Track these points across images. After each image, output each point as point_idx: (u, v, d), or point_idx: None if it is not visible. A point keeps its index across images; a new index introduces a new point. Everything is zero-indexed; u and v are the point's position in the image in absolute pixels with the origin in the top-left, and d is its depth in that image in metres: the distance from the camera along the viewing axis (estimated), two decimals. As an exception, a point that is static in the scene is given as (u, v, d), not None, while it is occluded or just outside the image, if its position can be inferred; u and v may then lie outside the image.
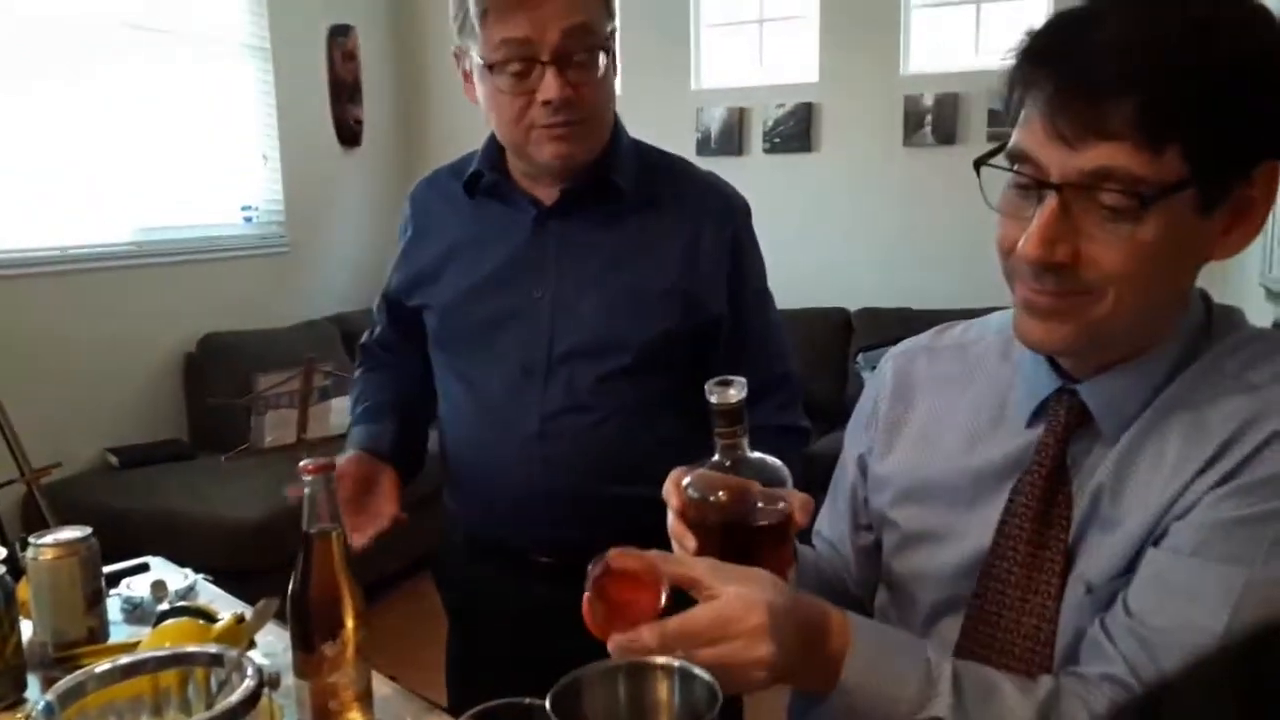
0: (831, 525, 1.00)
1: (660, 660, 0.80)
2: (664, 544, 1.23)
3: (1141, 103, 0.65)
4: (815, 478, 0.96)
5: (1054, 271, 0.70)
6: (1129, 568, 0.73)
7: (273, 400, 2.59)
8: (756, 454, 0.77)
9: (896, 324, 3.38)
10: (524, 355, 1.22)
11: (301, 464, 0.88)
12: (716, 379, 0.77)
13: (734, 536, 0.76)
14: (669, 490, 0.78)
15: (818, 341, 3.80)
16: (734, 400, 0.76)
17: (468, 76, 1.20)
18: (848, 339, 3.85)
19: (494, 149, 1.25)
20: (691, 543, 0.76)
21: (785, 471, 0.78)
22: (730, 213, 1.27)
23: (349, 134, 4.42)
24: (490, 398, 1.25)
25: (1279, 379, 0.71)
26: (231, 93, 3.88)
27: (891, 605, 0.91)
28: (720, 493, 0.76)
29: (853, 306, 3.92)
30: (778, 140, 4.10)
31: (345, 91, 4.37)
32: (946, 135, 3.85)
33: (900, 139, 3.94)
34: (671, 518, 0.78)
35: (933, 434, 0.88)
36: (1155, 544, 0.72)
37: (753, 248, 1.30)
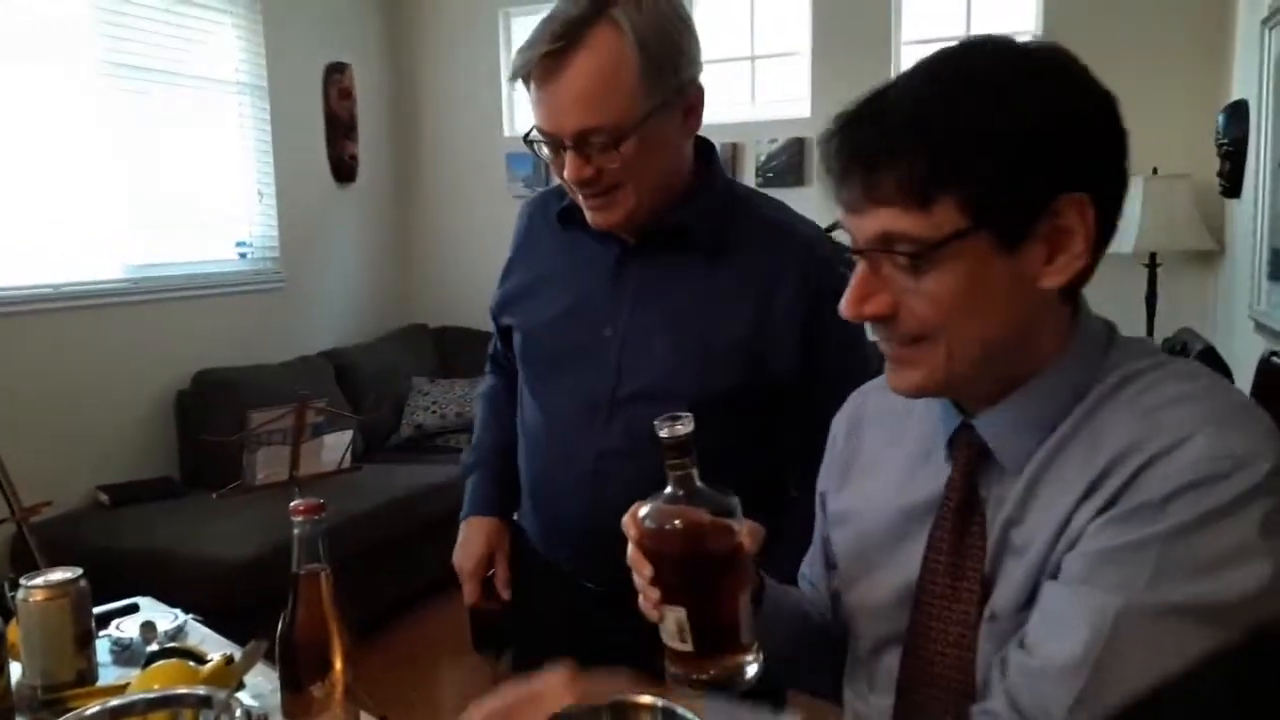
0: (811, 566, 1.03)
1: (645, 699, 0.80)
2: None
3: (903, 169, 0.71)
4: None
5: (884, 325, 0.77)
6: (1031, 599, 0.75)
7: (265, 437, 2.58)
8: (708, 486, 0.82)
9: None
10: (590, 391, 1.22)
11: (292, 505, 0.88)
12: (666, 415, 0.81)
13: (687, 564, 0.80)
14: (627, 522, 0.83)
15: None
16: (682, 434, 0.80)
17: None
18: None
19: None
20: (648, 571, 0.81)
21: (735, 501, 0.82)
22: (810, 261, 1.20)
23: (344, 170, 4.45)
24: (557, 425, 1.27)
25: (1170, 404, 0.72)
26: (228, 130, 3.91)
27: (847, 639, 0.94)
28: (675, 522, 0.80)
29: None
30: (770, 175, 4.14)
31: (341, 128, 4.41)
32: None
33: (891, 174, 3.98)
34: (630, 548, 0.82)
35: (874, 469, 0.92)
36: (1053, 576, 0.74)
37: (832, 294, 1.23)
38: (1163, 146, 3.54)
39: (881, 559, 0.87)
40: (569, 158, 1.12)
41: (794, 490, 1.30)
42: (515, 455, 1.37)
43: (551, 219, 1.30)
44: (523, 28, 4.50)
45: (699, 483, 0.81)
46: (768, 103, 4.30)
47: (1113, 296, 3.47)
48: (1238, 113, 3.07)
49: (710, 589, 0.80)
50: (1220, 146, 3.20)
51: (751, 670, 0.81)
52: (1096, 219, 0.72)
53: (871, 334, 0.82)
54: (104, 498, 3.27)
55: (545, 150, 1.16)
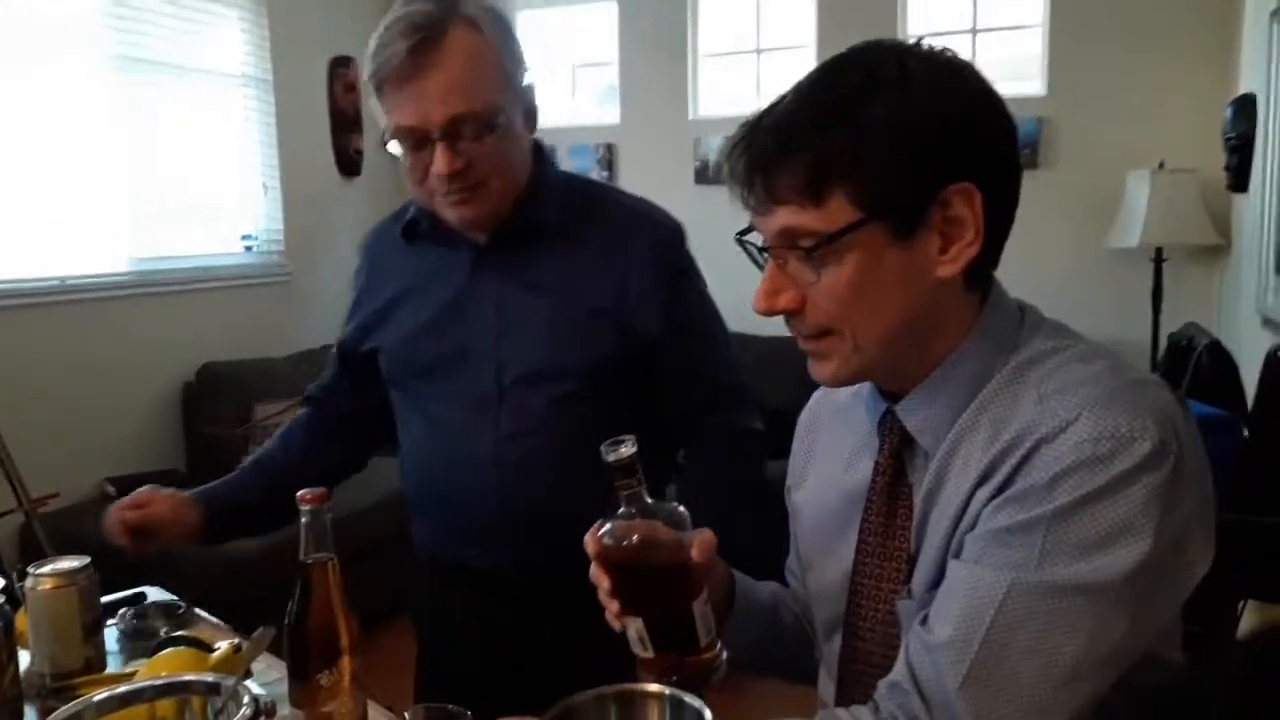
0: (789, 561, 1.07)
1: (651, 687, 0.82)
2: None
3: (796, 168, 0.76)
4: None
5: (795, 319, 0.81)
6: (941, 577, 0.79)
7: (271, 429, 2.60)
8: (657, 502, 0.87)
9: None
10: (475, 385, 1.26)
11: (299, 494, 0.88)
12: (610, 439, 0.85)
13: (641, 576, 0.85)
14: (588, 540, 0.86)
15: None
16: (626, 456, 0.84)
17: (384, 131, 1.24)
18: None
19: None
20: (606, 583, 0.85)
21: (685, 514, 0.87)
22: (657, 236, 1.30)
23: (349, 164, 4.45)
24: (447, 427, 1.28)
25: (1064, 388, 0.76)
26: (233, 123, 3.92)
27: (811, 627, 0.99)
28: (632, 538, 0.84)
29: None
30: (775, 169, 4.14)
31: (346, 122, 4.41)
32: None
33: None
34: (593, 565, 0.86)
35: (824, 461, 0.96)
36: (955, 555, 0.78)
37: (686, 269, 1.32)
38: (1169, 140, 3.53)
39: (828, 544, 0.92)
40: (439, 151, 1.14)
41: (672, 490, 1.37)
42: (278, 474, 1.39)
43: (395, 240, 1.34)
44: (527, 22, 4.50)
45: (648, 499, 0.86)
46: (773, 96, 4.28)
47: (1118, 291, 3.48)
48: (1245, 107, 3.06)
49: (664, 598, 0.85)
50: (1227, 141, 3.19)
51: (714, 670, 0.86)
52: (986, 207, 0.76)
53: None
54: (111, 489, 3.29)
55: (403, 151, 1.17)
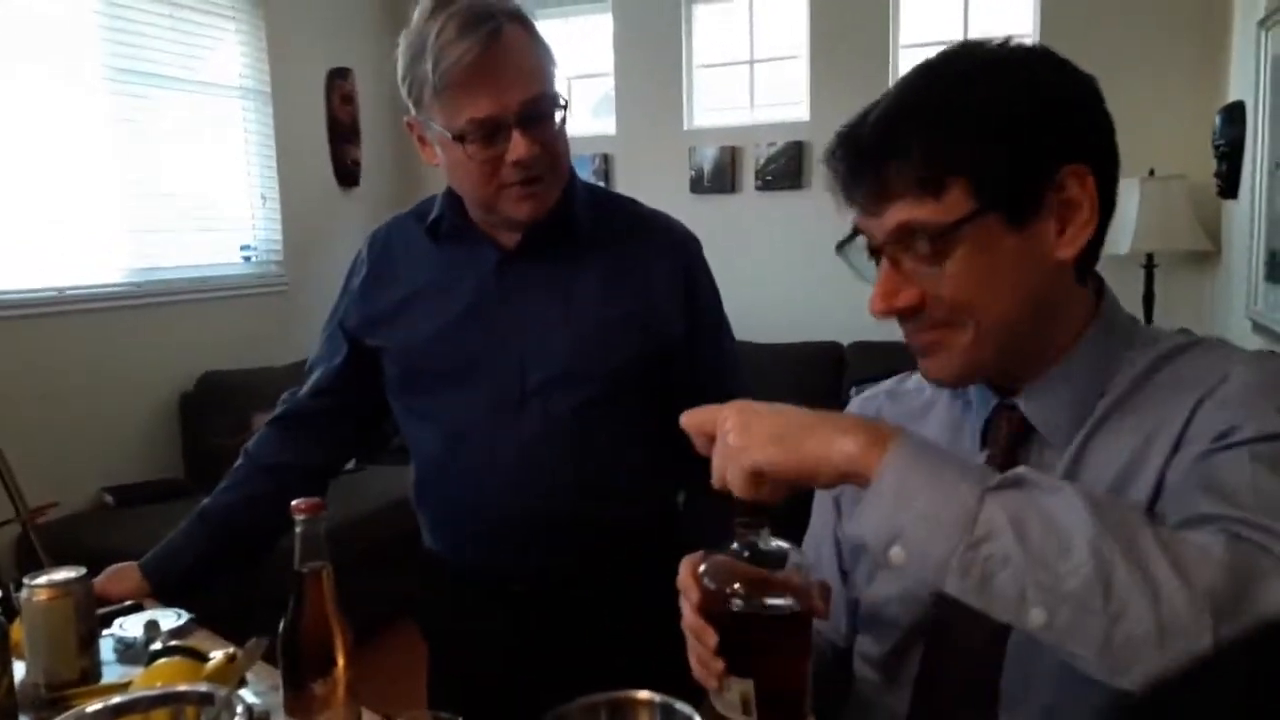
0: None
1: (642, 695, 0.82)
2: (632, 565, 1.25)
3: (910, 162, 0.75)
4: (800, 502, 0.99)
5: (912, 316, 0.80)
6: None
7: (268, 439, 2.60)
8: (776, 542, 0.75)
9: (890, 357, 3.40)
10: (497, 390, 1.25)
11: (293, 503, 0.89)
12: None
13: (751, 628, 0.72)
14: (687, 583, 0.76)
15: (811, 375, 3.82)
16: None
17: (424, 142, 1.24)
18: (841, 373, 3.88)
19: (455, 195, 1.29)
20: (712, 639, 0.73)
21: (802, 556, 0.76)
22: (680, 247, 1.33)
23: (347, 175, 4.47)
24: (466, 433, 1.27)
25: (1207, 369, 0.76)
26: (232, 134, 3.94)
27: (866, 633, 0.92)
28: (737, 584, 0.73)
29: (846, 340, 3.95)
30: (769, 178, 4.16)
31: (344, 133, 4.43)
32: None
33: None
34: (688, 611, 0.76)
35: None
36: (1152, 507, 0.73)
37: (704, 278, 1.35)
38: (1159, 148, 3.55)
39: None
40: (517, 137, 1.15)
41: (682, 498, 1.39)
42: (242, 523, 1.37)
43: (414, 236, 1.33)
44: (524, 32, 4.52)
45: (769, 540, 0.74)
46: (767, 106, 4.32)
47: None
48: (1234, 114, 3.08)
49: (780, 656, 0.73)
50: (1217, 148, 3.21)
51: None
52: (1098, 188, 0.77)
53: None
54: (109, 499, 3.30)
55: (474, 148, 1.16)
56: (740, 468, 0.70)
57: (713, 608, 0.74)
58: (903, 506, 0.65)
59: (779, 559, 0.74)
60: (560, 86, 1.22)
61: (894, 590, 0.88)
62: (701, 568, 0.75)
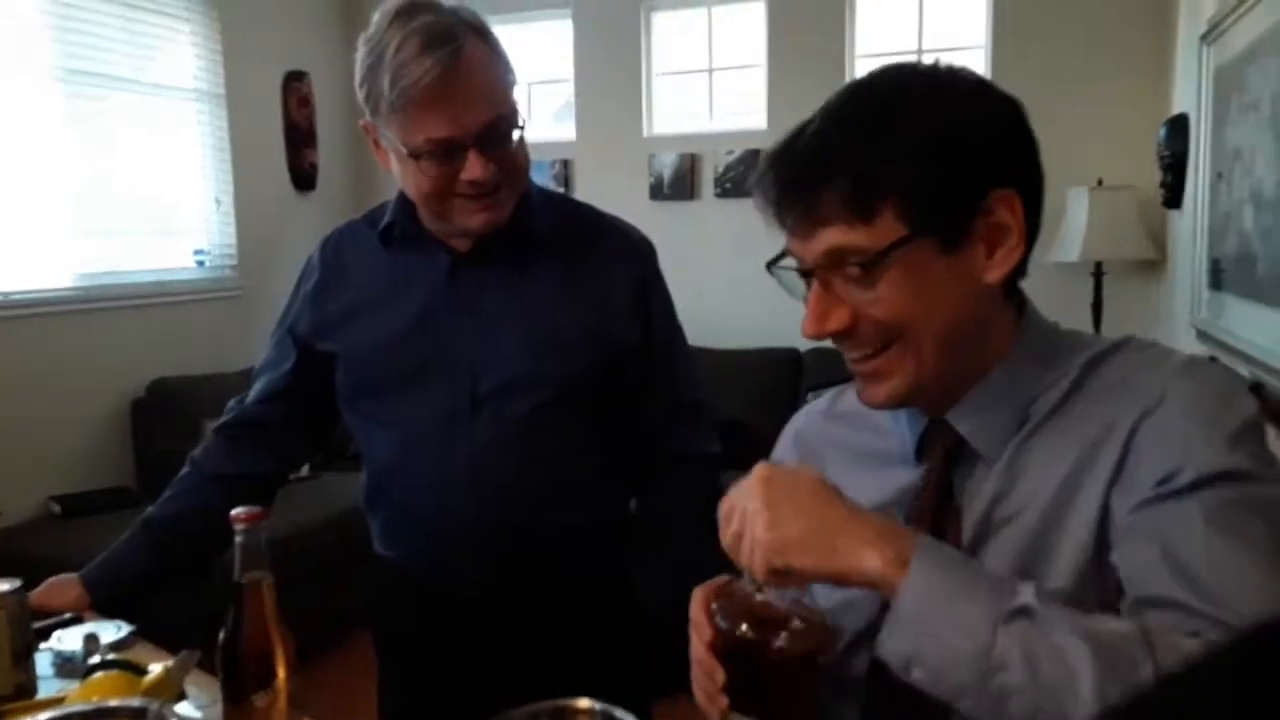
0: None
1: (583, 703, 0.83)
2: (583, 571, 1.26)
3: (841, 188, 0.75)
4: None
5: (847, 339, 0.81)
6: (1022, 570, 0.77)
7: (220, 446, 2.57)
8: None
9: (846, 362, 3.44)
10: (449, 396, 1.25)
11: (233, 513, 0.89)
12: None
13: (759, 668, 0.74)
14: (699, 618, 0.78)
15: (769, 380, 3.85)
16: None
17: (379, 146, 1.24)
18: (798, 378, 3.91)
19: (407, 200, 1.29)
20: (721, 676, 0.76)
21: (814, 597, 0.79)
22: (635, 253, 1.34)
23: (304, 178, 4.43)
24: (418, 439, 1.27)
25: (1138, 373, 0.78)
26: (185, 137, 3.88)
27: None
28: (745, 625, 0.74)
29: (803, 346, 3.98)
30: (728, 185, 4.18)
31: (300, 136, 4.39)
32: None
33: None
34: (698, 646, 0.78)
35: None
36: (1098, 549, 0.75)
37: (658, 284, 1.36)
38: (1107, 158, 3.63)
39: None
40: (473, 158, 1.15)
41: (634, 504, 1.39)
42: (188, 533, 1.36)
43: (368, 244, 1.33)
44: (483, 37, 4.51)
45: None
46: (725, 115, 4.35)
47: (1060, 304, 3.56)
48: (1178, 126, 3.16)
49: (788, 697, 0.74)
50: (1162, 159, 3.29)
51: None
52: (1025, 212, 0.78)
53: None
54: (56, 508, 3.23)
55: (428, 164, 1.16)
56: (768, 564, 0.72)
57: (721, 645, 0.75)
58: (923, 634, 0.69)
59: (786, 594, 0.75)
60: (519, 97, 1.22)
61: (836, 598, 0.88)
62: (714, 605, 0.77)
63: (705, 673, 0.78)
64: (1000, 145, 0.79)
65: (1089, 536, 0.75)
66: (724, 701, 0.75)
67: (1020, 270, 0.81)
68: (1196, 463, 0.71)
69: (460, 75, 1.13)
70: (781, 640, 0.72)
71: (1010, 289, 0.82)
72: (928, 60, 0.83)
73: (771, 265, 0.84)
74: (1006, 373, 0.82)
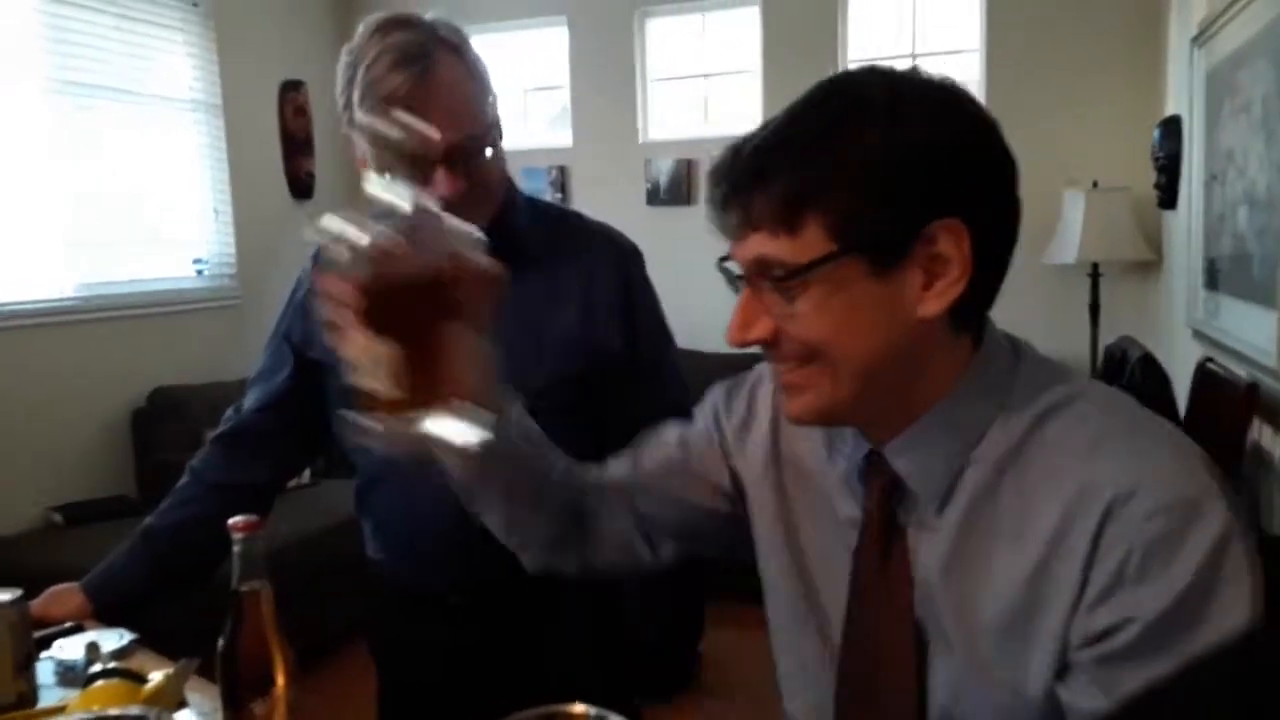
0: (643, 459, 1.02)
1: (578, 708, 0.83)
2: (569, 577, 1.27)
3: (771, 193, 0.72)
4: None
5: (770, 349, 0.78)
6: (999, 659, 0.74)
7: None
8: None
9: None
10: None
11: (230, 522, 0.89)
12: None
13: (412, 290, 0.72)
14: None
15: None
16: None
17: (361, 158, 1.25)
18: None
19: None
20: (362, 302, 0.72)
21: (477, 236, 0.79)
22: (620, 258, 1.34)
23: (301, 187, 4.45)
24: None
25: (1100, 447, 0.72)
26: (183, 147, 3.90)
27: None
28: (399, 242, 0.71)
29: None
30: (725, 189, 4.19)
31: (297, 145, 4.41)
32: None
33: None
34: (333, 283, 0.74)
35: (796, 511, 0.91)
36: (1061, 670, 0.71)
37: (645, 287, 1.36)
38: (1103, 160, 3.65)
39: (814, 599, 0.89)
40: (441, 175, 1.15)
41: None
42: (188, 543, 1.36)
43: None
44: (478, 46, 4.51)
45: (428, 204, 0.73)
46: (721, 120, 4.36)
47: (1057, 305, 3.59)
48: (1171, 128, 3.17)
49: (426, 321, 0.72)
50: (1156, 160, 3.31)
51: (458, 429, 0.73)
52: (975, 246, 0.72)
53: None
54: (57, 518, 3.24)
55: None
56: None
57: (374, 270, 0.71)
58: None
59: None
60: (496, 112, 1.22)
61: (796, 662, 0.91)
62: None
63: (336, 298, 0.74)
64: (952, 170, 0.72)
65: (1052, 660, 0.72)
66: (363, 327, 0.72)
67: (977, 302, 0.75)
68: (1145, 617, 0.67)
69: (429, 92, 1.13)
70: (432, 258, 0.72)
71: (962, 320, 0.76)
72: (911, 65, 0.79)
73: (721, 262, 0.81)
74: (945, 413, 0.77)
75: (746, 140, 0.76)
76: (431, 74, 1.13)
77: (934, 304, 0.73)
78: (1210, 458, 0.73)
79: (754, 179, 0.74)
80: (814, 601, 0.88)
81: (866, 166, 0.71)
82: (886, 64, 0.79)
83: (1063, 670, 0.71)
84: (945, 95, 0.75)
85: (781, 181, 0.72)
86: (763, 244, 0.74)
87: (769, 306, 0.76)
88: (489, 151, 1.20)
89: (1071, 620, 0.70)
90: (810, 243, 0.72)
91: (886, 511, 0.81)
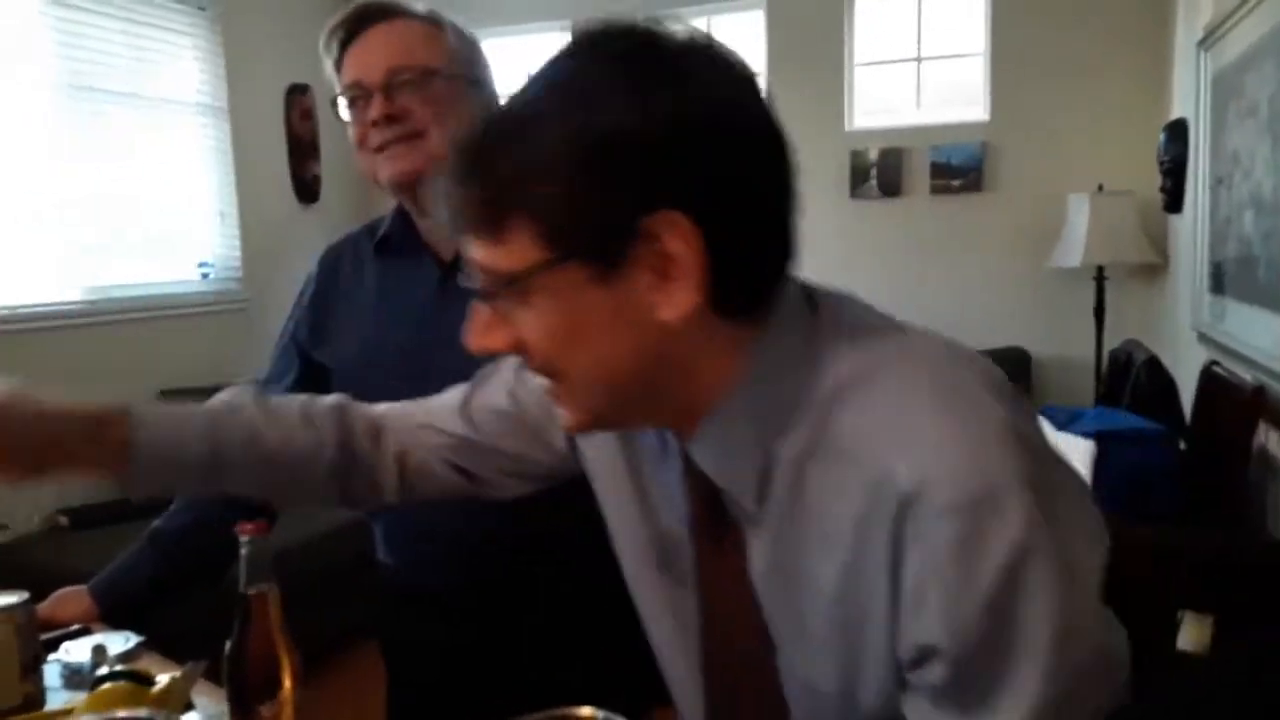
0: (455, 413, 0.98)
1: (585, 711, 0.83)
2: (579, 575, 1.28)
3: (470, 197, 0.65)
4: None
5: (522, 361, 0.71)
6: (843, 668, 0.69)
7: (225, 458, 2.58)
8: None
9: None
10: None
11: (238, 525, 0.90)
12: None
13: None
14: None
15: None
16: None
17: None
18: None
19: (402, 210, 1.30)
20: None
21: None
22: None
23: (307, 190, 4.46)
24: None
25: (896, 435, 0.64)
26: (189, 151, 3.91)
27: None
28: None
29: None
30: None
31: (303, 149, 4.42)
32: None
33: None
34: None
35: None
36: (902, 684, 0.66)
37: None
38: (1107, 164, 3.65)
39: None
40: (375, 101, 1.19)
41: None
42: (195, 546, 1.36)
43: (365, 253, 1.35)
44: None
45: None
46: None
47: (1062, 309, 3.59)
48: (1177, 131, 3.17)
49: None
50: (1162, 164, 3.30)
51: None
52: (708, 242, 0.63)
53: None
54: (64, 520, 3.25)
55: (347, 112, 1.23)
56: None
57: None
58: None
59: None
60: (454, 72, 1.23)
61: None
62: None
63: None
64: (668, 160, 0.62)
65: (884, 673, 0.67)
66: None
67: (737, 294, 0.66)
68: (954, 642, 0.61)
69: (372, 29, 1.20)
70: None
71: (733, 307, 0.67)
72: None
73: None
74: (733, 407, 0.69)
75: (462, 137, 0.68)
76: (381, 18, 1.21)
77: (672, 309, 0.64)
78: (1029, 414, 0.67)
79: (461, 178, 0.66)
80: (671, 576, 0.82)
81: (569, 158, 0.62)
82: (632, 19, 0.66)
83: (903, 684, 0.66)
84: (694, 69, 0.64)
85: (478, 182, 0.65)
86: (476, 251, 0.67)
87: (505, 315, 0.68)
88: (434, 86, 1.20)
89: (895, 629, 0.64)
90: (519, 249, 0.64)
91: (713, 508, 0.74)
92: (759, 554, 0.72)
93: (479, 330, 0.71)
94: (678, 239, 0.62)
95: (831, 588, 0.67)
